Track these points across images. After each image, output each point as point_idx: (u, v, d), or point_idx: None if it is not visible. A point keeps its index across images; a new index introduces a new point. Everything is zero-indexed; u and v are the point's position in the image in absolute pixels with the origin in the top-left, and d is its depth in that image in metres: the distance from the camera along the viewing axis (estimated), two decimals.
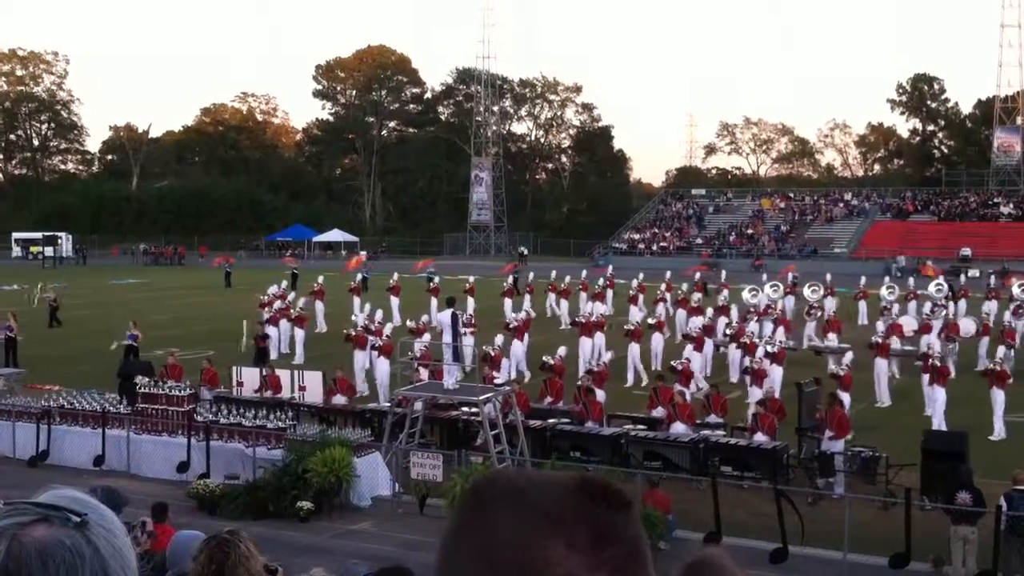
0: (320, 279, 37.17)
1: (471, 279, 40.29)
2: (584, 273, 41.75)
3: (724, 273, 42.05)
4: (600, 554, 1.17)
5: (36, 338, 32.27)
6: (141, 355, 27.01)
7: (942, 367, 21.96)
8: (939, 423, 20.62)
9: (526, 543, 1.16)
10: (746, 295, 35.05)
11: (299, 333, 30.53)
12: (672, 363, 23.49)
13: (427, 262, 55.28)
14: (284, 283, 38.01)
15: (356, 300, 35.99)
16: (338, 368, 22.78)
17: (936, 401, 21.21)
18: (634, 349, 27.41)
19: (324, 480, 16.50)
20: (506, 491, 1.22)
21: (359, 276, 39.04)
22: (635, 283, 36.39)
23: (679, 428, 19.19)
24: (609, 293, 39.71)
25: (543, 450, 18.77)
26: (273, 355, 29.44)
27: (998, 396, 21.12)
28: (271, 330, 30.91)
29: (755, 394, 21.71)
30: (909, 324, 30.64)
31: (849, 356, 22.92)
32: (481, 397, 18.20)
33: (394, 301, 36.25)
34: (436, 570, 1.25)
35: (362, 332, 26.16)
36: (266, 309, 32.35)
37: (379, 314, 28.94)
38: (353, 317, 28.77)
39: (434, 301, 35.35)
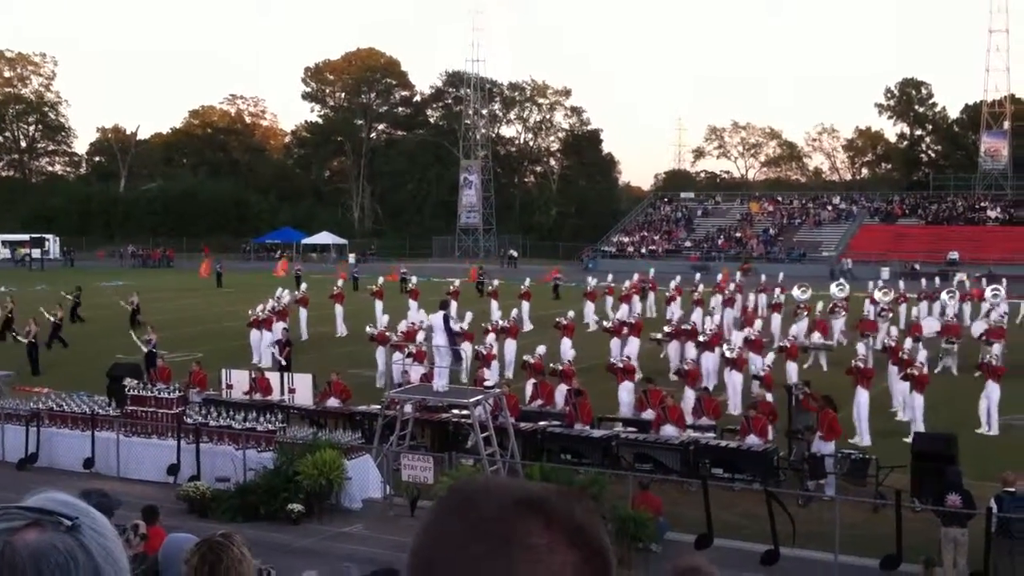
0: (339, 283, 37.17)
1: (495, 282, 40.17)
2: (636, 277, 41.57)
3: (679, 278, 42.29)
4: (578, 536, 1.25)
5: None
6: (131, 358, 26.90)
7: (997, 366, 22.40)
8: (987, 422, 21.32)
9: (509, 518, 1.24)
10: (796, 292, 35.52)
11: (266, 336, 30.14)
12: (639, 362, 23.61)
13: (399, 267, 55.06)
14: (304, 286, 37.89)
15: (379, 304, 36.13)
16: (334, 371, 22.77)
17: (989, 400, 21.79)
18: (689, 349, 27.59)
19: (315, 482, 16.46)
20: (488, 484, 1.31)
21: (380, 279, 39.28)
22: (672, 285, 37.23)
23: (669, 431, 19.19)
24: (651, 296, 40.05)
25: (534, 452, 18.76)
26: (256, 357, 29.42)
27: (917, 400, 21.14)
28: (256, 334, 30.73)
29: (688, 395, 21.53)
30: (932, 326, 30.99)
31: (771, 356, 23.16)
32: (471, 399, 18.18)
33: (412, 304, 36.28)
34: (418, 546, 1.28)
35: (383, 331, 26.73)
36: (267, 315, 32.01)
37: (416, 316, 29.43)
38: (368, 328, 29.03)
39: (454, 304, 35.72)
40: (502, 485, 1.30)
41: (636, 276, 41.58)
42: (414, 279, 40.06)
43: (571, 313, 30.89)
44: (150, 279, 63.68)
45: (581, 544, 1.25)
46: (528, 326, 35.77)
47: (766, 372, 21.60)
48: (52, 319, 32.76)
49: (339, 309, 35.98)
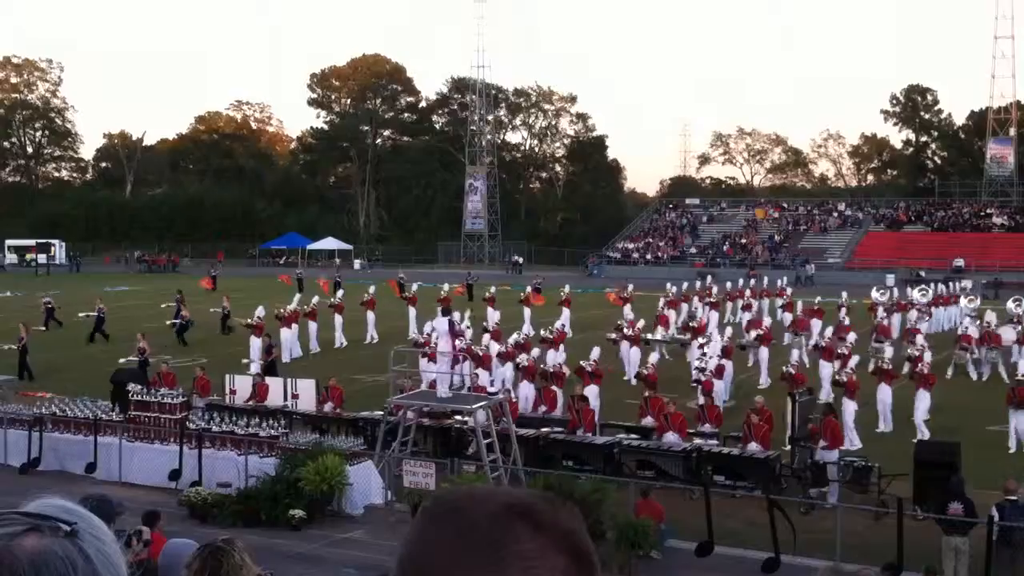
0: (371, 289, 37.15)
1: (533, 287, 40.05)
2: (698, 284, 41.62)
3: (728, 284, 42.47)
4: (566, 540, 1.26)
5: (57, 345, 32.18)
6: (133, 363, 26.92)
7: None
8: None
9: (498, 524, 1.24)
10: (875, 294, 35.42)
11: (255, 342, 29.77)
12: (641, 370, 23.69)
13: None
14: (341, 292, 37.66)
15: (412, 311, 35.96)
16: (332, 377, 22.82)
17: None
18: (763, 353, 27.60)
19: (317, 488, 16.47)
20: (472, 493, 1.32)
21: (413, 286, 39.27)
22: (715, 290, 37.75)
23: (670, 438, 19.19)
24: (697, 303, 40.06)
25: (536, 459, 18.75)
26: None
27: (849, 407, 21.07)
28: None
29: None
30: (1008, 335, 30.62)
31: (714, 362, 23.27)
32: (474, 406, 18.19)
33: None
34: (406, 557, 1.28)
35: (428, 339, 26.52)
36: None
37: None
38: (412, 335, 29.05)
39: (491, 310, 35.63)
40: (486, 492, 1.31)
41: (698, 283, 41.94)
42: (446, 286, 39.80)
43: (631, 317, 31.26)
44: (156, 284, 63.73)
45: (569, 548, 1.26)
46: (569, 333, 35.74)
47: (707, 379, 21.92)
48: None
49: (371, 316, 35.90)
